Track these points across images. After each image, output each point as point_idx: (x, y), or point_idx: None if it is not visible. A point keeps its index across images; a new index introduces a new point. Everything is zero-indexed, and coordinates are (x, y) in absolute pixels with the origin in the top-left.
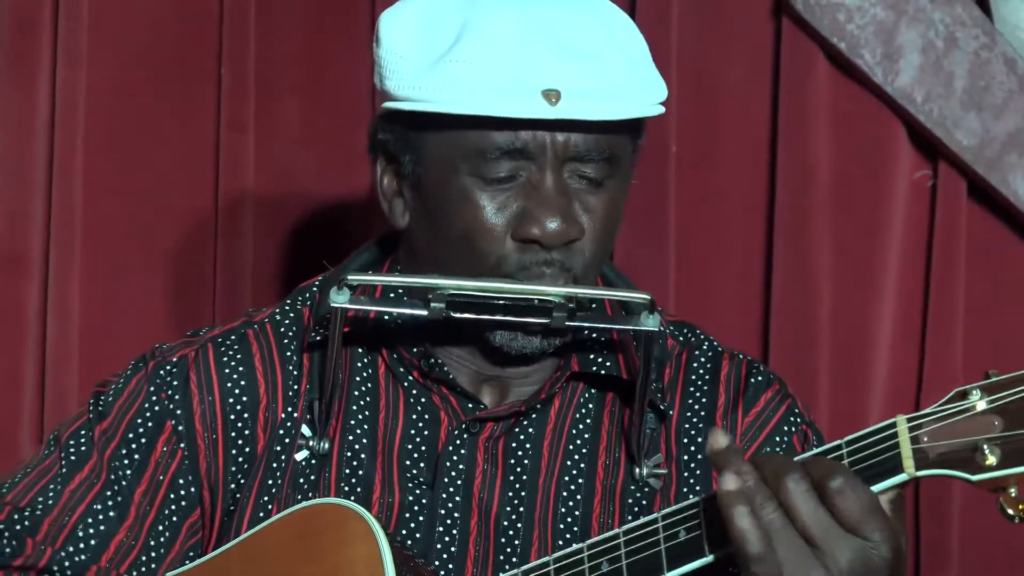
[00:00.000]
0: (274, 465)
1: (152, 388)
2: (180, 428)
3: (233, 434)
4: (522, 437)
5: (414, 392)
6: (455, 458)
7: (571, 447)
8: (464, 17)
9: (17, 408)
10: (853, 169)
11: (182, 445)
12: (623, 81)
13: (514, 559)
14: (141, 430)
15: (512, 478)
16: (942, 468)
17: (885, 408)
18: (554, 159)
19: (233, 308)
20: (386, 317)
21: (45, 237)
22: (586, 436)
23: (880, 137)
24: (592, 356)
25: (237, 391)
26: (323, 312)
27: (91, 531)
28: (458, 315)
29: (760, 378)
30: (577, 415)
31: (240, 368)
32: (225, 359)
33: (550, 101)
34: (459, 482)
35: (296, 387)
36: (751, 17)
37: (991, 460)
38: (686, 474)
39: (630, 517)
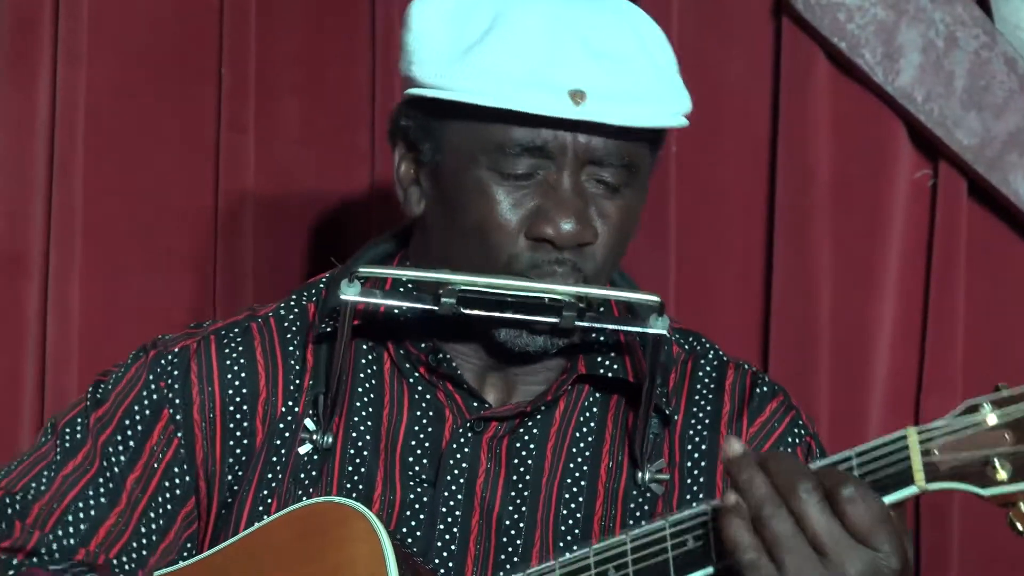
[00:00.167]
0: (274, 459)
1: (151, 376)
2: (178, 417)
3: (231, 425)
4: (526, 438)
5: (419, 389)
6: (458, 456)
7: (574, 449)
8: (496, 10)
9: (17, 408)
10: (853, 169)
11: (179, 434)
12: (649, 88)
13: (515, 559)
14: (138, 417)
15: (515, 478)
16: (952, 481)
17: (885, 408)
18: (574, 160)
19: (234, 308)
20: (395, 311)
21: (45, 237)
22: (590, 439)
23: (880, 137)
24: (599, 359)
25: (237, 383)
26: (332, 304)
27: (81, 516)
28: (469, 311)
29: (765, 388)
30: (582, 417)
31: (241, 360)
32: (227, 351)
33: (575, 101)
34: (462, 481)
35: (298, 381)
36: (751, 17)
37: (1002, 475)
38: (689, 480)
39: (632, 521)
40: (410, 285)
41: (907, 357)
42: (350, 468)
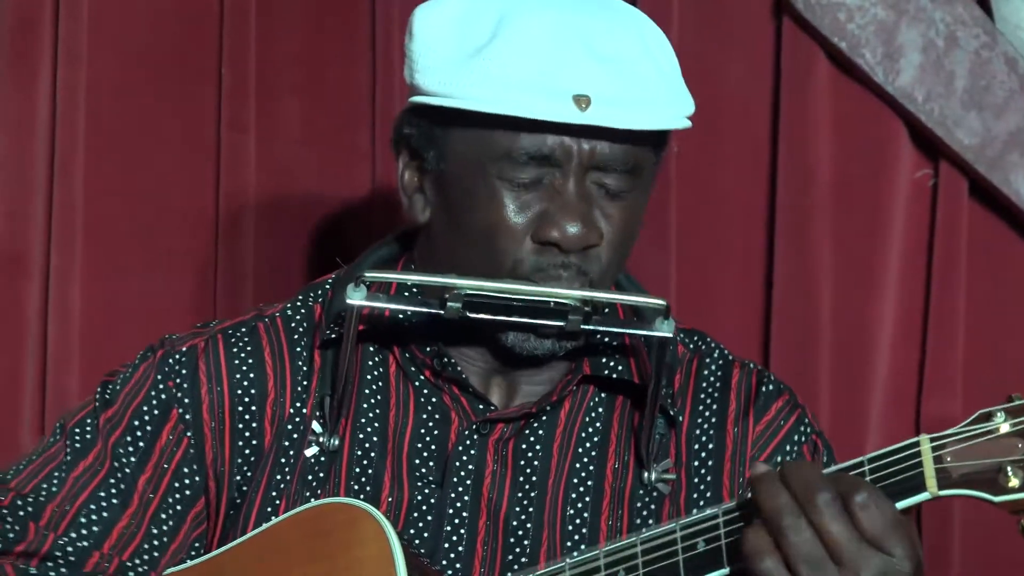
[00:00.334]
0: (282, 460)
1: (160, 376)
2: (187, 416)
3: (240, 425)
4: (532, 439)
5: (425, 392)
6: (464, 458)
7: (580, 450)
8: (499, 16)
9: (17, 408)
10: (854, 169)
11: (188, 433)
12: (653, 92)
13: (523, 560)
14: (147, 417)
15: (521, 479)
16: (965, 488)
17: (886, 408)
18: (578, 166)
19: (235, 308)
20: (400, 316)
21: (46, 237)
22: (596, 439)
23: (881, 137)
24: (604, 360)
25: (246, 383)
26: (337, 309)
27: (94, 518)
28: (474, 315)
29: (771, 387)
30: (587, 418)
31: (250, 360)
32: (235, 350)
33: (580, 106)
34: (468, 482)
35: (306, 383)
36: (752, 17)
37: (1014, 482)
38: (696, 480)
39: (638, 521)
40: (415, 290)
41: (908, 357)
42: (357, 470)
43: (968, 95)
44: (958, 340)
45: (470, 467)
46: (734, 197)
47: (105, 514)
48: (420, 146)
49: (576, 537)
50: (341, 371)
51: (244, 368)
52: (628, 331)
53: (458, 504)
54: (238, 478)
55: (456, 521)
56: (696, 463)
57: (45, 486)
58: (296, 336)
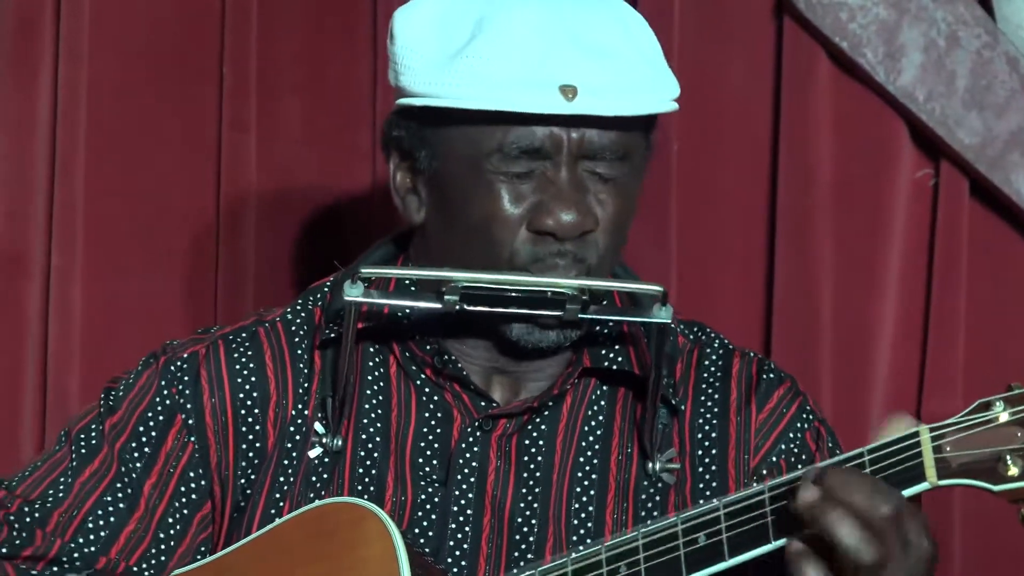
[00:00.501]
0: (285, 462)
1: (163, 383)
2: (190, 422)
3: (243, 429)
4: (535, 434)
5: (426, 390)
6: (468, 456)
7: (584, 443)
8: (480, 14)
9: (18, 408)
10: (855, 168)
11: (192, 438)
12: (638, 78)
13: (528, 556)
14: (152, 423)
15: (525, 475)
16: (964, 477)
17: (886, 407)
18: (569, 156)
19: (235, 308)
20: (399, 314)
21: (46, 237)
22: (599, 432)
23: (882, 136)
24: (604, 352)
25: (248, 387)
26: (336, 306)
27: (101, 523)
28: (472, 308)
29: (772, 375)
30: (589, 411)
31: (251, 365)
32: (236, 355)
33: (567, 97)
34: (472, 480)
35: (307, 385)
36: (753, 16)
37: (1013, 471)
38: (700, 469)
39: (643, 512)
40: (413, 288)
41: (908, 356)
42: (360, 470)
43: (969, 95)
44: (959, 340)
45: (473, 464)
46: (734, 197)
47: (112, 519)
48: (411, 147)
49: (582, 531)
50: (341, 370)
51: (245, 373)
52: (627, 318)
53: (462, 502)
54: (242, 481)
55: (460, 519)
56: (700, 452)
57: (51, 492)
58: (296, 339)
